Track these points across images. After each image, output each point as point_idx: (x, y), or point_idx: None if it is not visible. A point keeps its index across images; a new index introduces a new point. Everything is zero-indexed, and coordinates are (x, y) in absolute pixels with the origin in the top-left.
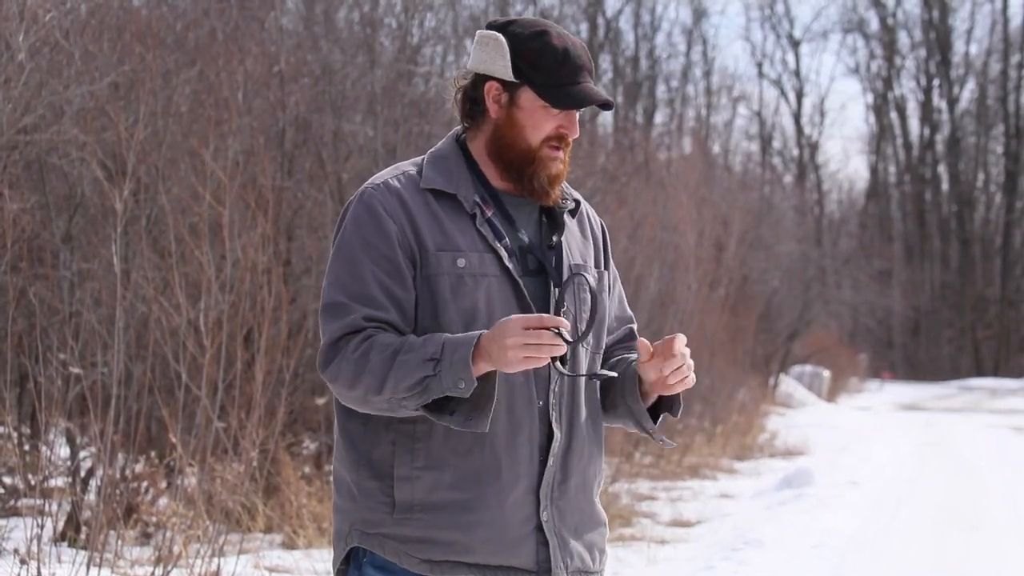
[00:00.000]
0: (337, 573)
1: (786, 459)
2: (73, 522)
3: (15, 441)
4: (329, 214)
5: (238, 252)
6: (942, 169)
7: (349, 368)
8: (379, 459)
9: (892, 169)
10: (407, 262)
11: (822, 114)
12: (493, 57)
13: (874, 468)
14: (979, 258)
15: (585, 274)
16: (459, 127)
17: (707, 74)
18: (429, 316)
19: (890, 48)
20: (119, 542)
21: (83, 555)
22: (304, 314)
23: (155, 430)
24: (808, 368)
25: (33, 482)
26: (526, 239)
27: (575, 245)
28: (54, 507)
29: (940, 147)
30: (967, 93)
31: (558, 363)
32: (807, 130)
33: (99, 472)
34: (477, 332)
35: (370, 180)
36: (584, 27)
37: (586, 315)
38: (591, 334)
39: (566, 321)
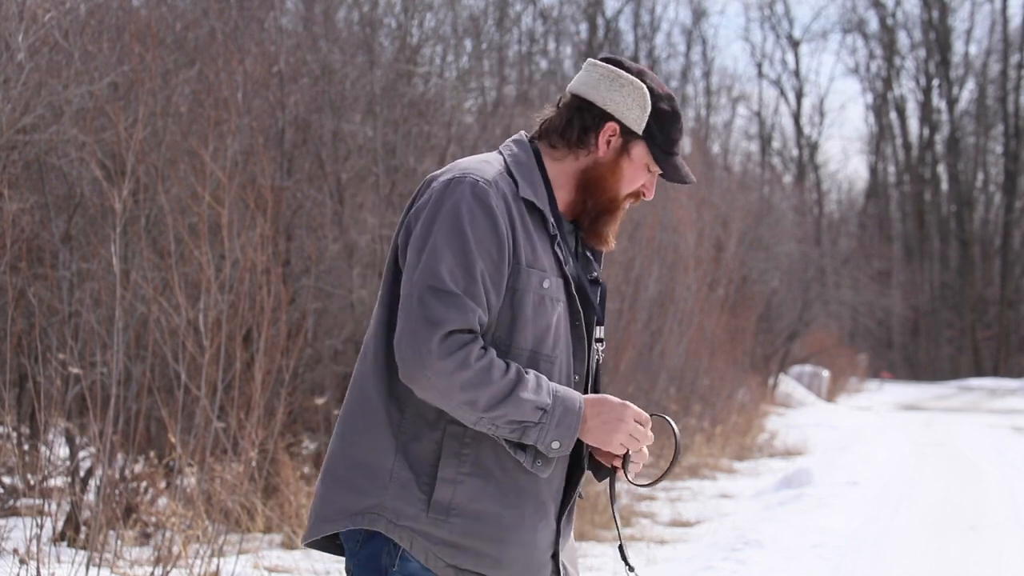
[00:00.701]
0: (315, 545)
1: (785, 459)
2: (72, 522)
3: (14, 441)
4: (328, 214)
5: (237, 252)
6: (941, 169)
7: (469, 376)
8: (419, 453)
9: (891, 169)
10: (505, 271)
11: (821, 114)
12: (629, 104)
13: (874, 468)
14: (978, 258)
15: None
16: (522, 132)
17: (707, 74)
18: (505, 330)
19: (890, 48)
20: (118, 542)
21: (82, 555)
22: (303, 314)
23: (154, 430)
24: (808, 368)
25: (32, 482)
26: (579, 266)
27: None
28: (53, 507)
29: (939, 147)
30: (967, 93)
31: (628, 473)
32: (807, 130)
33: (98, 472)
34: (579, 397)
35: (470, 169)
36: (584, 27)
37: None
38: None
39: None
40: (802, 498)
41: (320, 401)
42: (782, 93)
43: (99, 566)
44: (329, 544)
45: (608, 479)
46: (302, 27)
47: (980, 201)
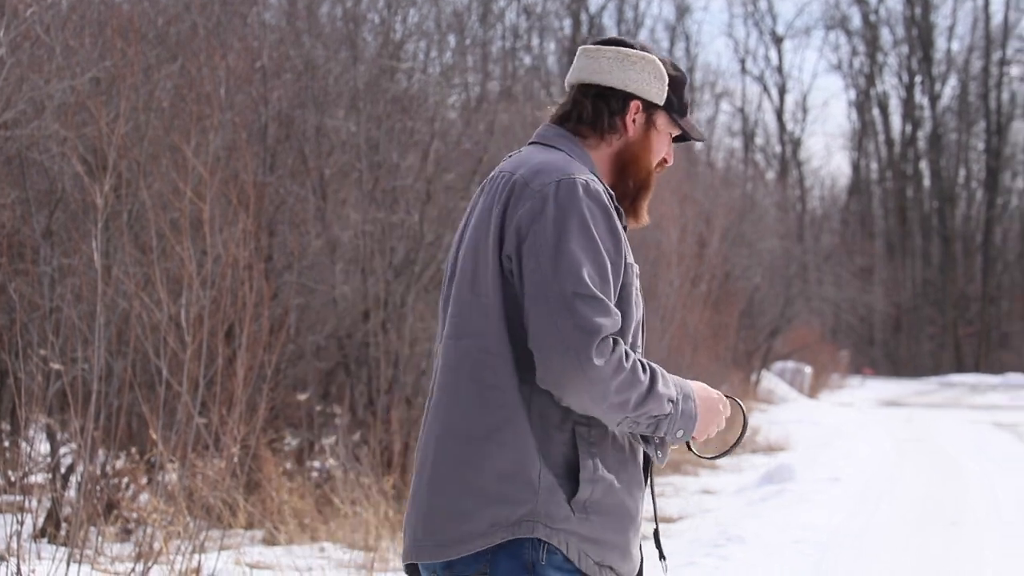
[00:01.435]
0: (472, 560)
1: (768, 455)
2: (53, 518)
3: None
4: (311, 209)
5: (219, 248)
6: (924, 166)
7: (624, 378)
8: (554, 456)
9: (874, 166)
10: (622, 269)
11: (804, 111)
12: (647, 79)
13: (855, 464)
14: (960, 255)
15: None
16: (554, 126)
17: (690, 70)
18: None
19: (872, 45)
20: (99, 538)
21: (63, 551)
22: (286, 310)
23: (136, 426)
24: (790, 364)
25: (13, 478)
26: None
27: None
28: (34, 503)
29: (922, 144)
30: (949, 90)
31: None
32: (789, 126)
33: (79, 468)
34: (689, 383)
35: (570, 172)
36: (567, 23)
37: None
38: None
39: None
40: (784, 494)
41: (302, 397)
42: (765, 89)
43: (80, 562)
44: (412, 567)
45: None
46: (285, 22)
47: (962, 197)
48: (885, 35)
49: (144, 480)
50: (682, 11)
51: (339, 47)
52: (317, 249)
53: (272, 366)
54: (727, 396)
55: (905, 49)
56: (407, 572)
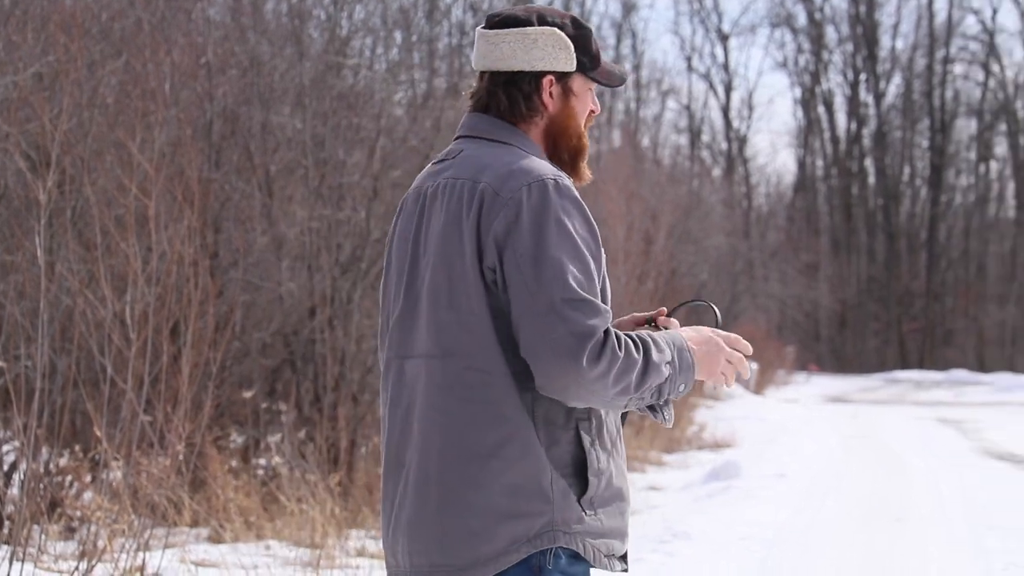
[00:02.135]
0: None
1: (714, 451)
2: None
3: None
4: (257, 206)
5: (165, 244)
6: (869, 163)
7: (619, 366)
8: (562, 458)
9: (819, 163)
10: (602, 262)
11: (750, 108)
12: (553, 52)
13: (801, 460)
14: (905, 252)
15: None
16: (482, 115)
17: (636, 68)
18: None
19: (817, 43)
20: (43, 537)
21: (6, 550)
22: (231, 307)
23: (80, 424)
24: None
25: None
26: None
27: None
28: None
29: (867, 141)
30: (893, 88)
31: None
32: (735, 124)
33: (22, 466)
34: (677, 334)
35: (541, 173)
36: None
37: None
38: None
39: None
40: (730, 490)
41: (248, 394)
42: (711, 87)
43: (23, 561)
44: None
45: None
46: (230, 18)
47: (907, 195)
48: (830, 33)
49: (88, 478)
50: (628, 8)
51: (285, 43)
52: (263, 246)
53: (218, 363)
54: (694, 301)
55: (850, 47)
56: None
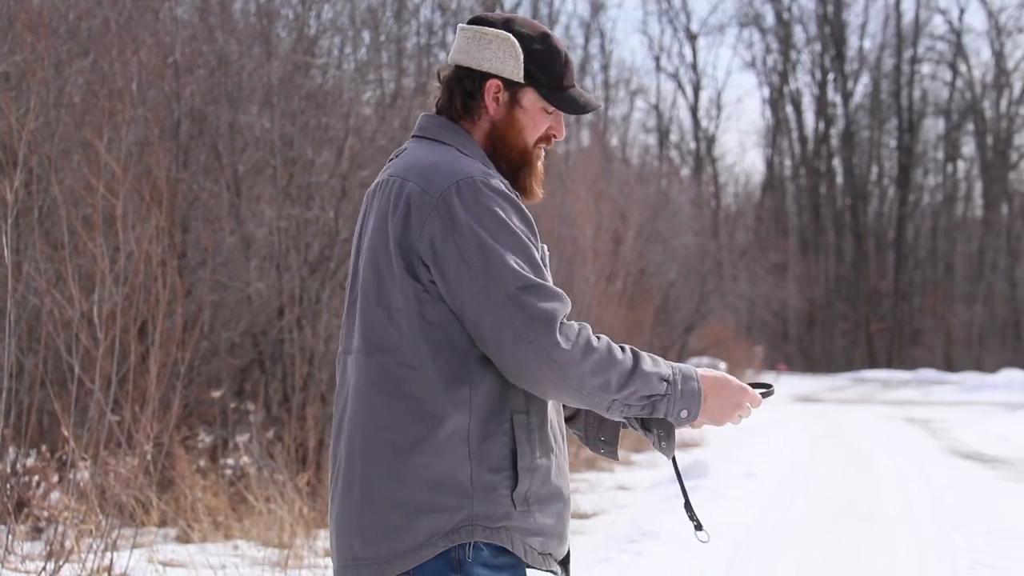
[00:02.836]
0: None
1: (682, 451)
2: None
3: None
4: (225, 206)
5: (132, 244)
6: (836, 163)
7: (598, 358)
8: (494, 452)
9: (788, 162)
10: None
11: (719, 108)
12: (501, 57)
13: (770, 460)
14: (873, 251)
15: None
16: (435, 115)
17: (605, 67)
18: None
19: (786, 42)
20: (10, 537)
21: None
22: (200, 307)
23: (47, 423)
24: (705, 360)
25: None
26: None
27: None
28: None
29: (835, 141)
30: (861, 87)
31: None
32: (704, 123)
33: None
34: (690, 367)
35: (464, 171)
36: None
37: None
38: None
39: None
40: (699, 490)
41: (216, 394)
42: (680, 86)
43: None
44: None
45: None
46: (198, 17)
47: (874, 194)
48: (798, 33)
49: (55, 478)
50: (596, 8)
51: (253, 43)
52: (231, 246)
53: (186, 363)
54: (755, 385)
55: (818, 47)
56: None
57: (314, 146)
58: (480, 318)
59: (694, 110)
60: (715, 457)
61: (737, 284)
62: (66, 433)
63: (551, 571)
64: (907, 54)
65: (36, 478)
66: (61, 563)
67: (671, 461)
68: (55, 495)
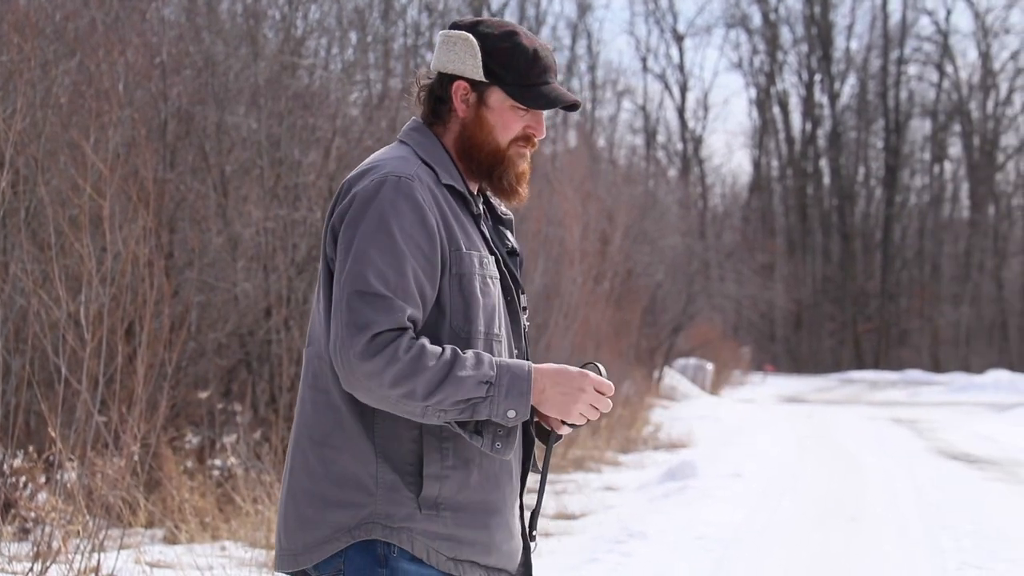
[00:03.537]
0: (325, 564)
1: (670, 452)
2: None
3: None
4: (212, 206)
5: (119, 245)
6: (823, 164)
7: (400, 368)
8: (400, 454)
9: (775, 163)
10: (439, 261)
11: (706, 108)
12: (462, 57)
13: (757, 460)
14: (860, 252)
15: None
16: (416, 119)
17: (592, 68)
18: (461, 316)
19: (772, 43)
20: None
21: None
22: (187, 307)
23: (34, 424)
24: (692, 361)
25: None
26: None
27: None
28: None
29: (822, 142)
30: (848, 88)
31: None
32: (691, 124)
33: None
34: (526, 363)
35: (390, 168)
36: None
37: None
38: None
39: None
40: (686, 490)
41: (203, 395)
42: (667, 87)
43: None
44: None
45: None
46: (185, 18)
47: (861, 195)
48: (785, 34)
49: (42, 479)
50: (583, 9)
51: (239, 43)
52: (218, 246)
53: (173, 364)
54: (588, 363)
55: (805, 48)
56: None
57: (301, 147)
58: (333, 308)
59: (681, 111)
60: (703, 457)
61: (724, 285)
62: (53, 434)
63: None
64: (894, 55)
65: (23, 479)
66: (48, 564)
67: (542, 467)
68: (42, 496)
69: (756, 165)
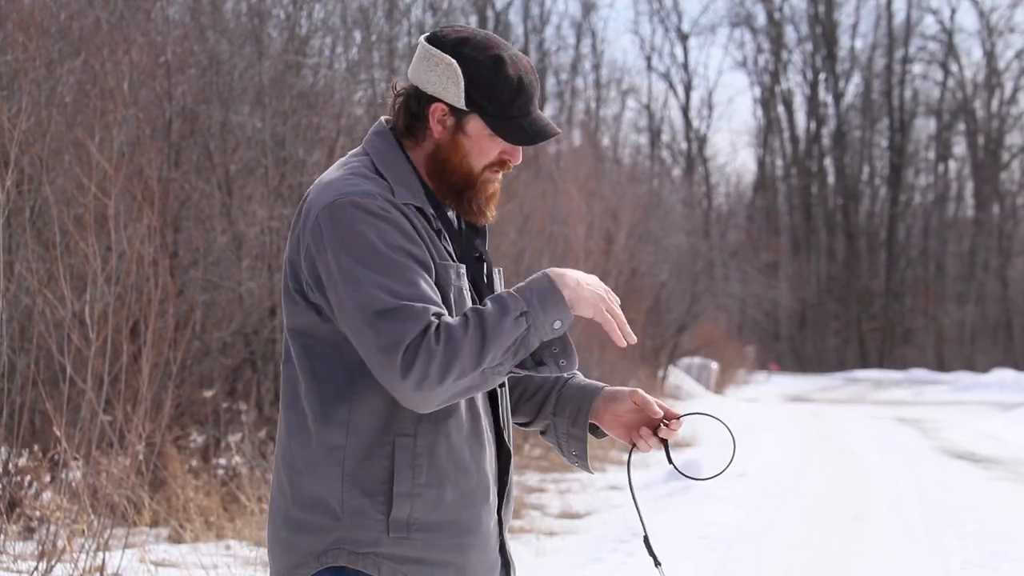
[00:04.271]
0: None
1: (674, 450)
2: None
3: None
4: (216, 206)
5: (124, 244)
6: (828, 162)
7: (440, 361)
8: (368, 474)
9: (779, 162)
10: (430, 262)
11: (710, 107)
12: (444, 83)
13: (761, 460)
14: (864, 251)
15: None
16: (382, 121)
17: (596, 67)
18: None
19: (777, 42)
20: (1, 537)
21: None
22: (191, 306)
23: (39, 423)
24: (697, 360)
25: None
26: (462, 250)
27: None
28: None
29: (826, 141)
30: (852, 87)
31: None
32: (695, 123)
33: None
34: (538, 274)
35: (345, 188)
36: (473, 19)
37: None
38: None
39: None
40: (690, 490)
41: (208, 394)
42: (671, 86)
43: None
44: None
45: (627, 466)
46: (189, 17)
47: (866, 194)
48: (789, 33)
49: (47, 478)
50: (588, 8)
51: (244, 42)
52: (223, 245)
53: (177, 363)
54: (704, 414)
55: (809, 47)
56: None
57: (305, 146)
58: (354, 340)
59: (685, 110)
60: (707, 456)
61: (729, 284)
62: (58, 433)
63: None
64: (898, 54)
65: (28, 478)
66: (53, 563)
67: (629, 486)
68: (47, 495)
69: (760, 164)
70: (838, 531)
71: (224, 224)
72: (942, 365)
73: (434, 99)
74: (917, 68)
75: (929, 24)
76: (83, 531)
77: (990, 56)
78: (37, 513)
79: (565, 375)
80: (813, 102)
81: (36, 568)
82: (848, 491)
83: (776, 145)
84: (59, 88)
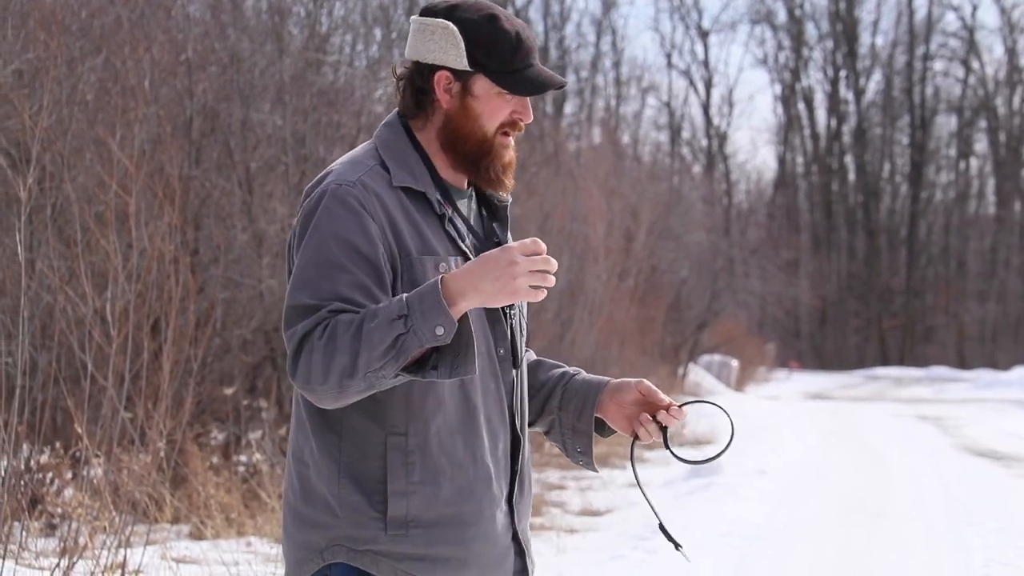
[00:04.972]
0: None
1: (695, 448)
2: None
3: None
4: (237, 203)
5: (145, 241)
6: (849, 160)
7: (318, 359)
8: (364, 473)
9: (800, 160)
10: (387, 266)
11: (730, 105)
12: (443, 47)
13: (782, 457)
14: (885, 248)
15: None
16: (394, 112)
17: (616, 64)
18: None
19: (798, 39)
20: (24, 534)
21: None
22: (212, 304)
23: (60, 420)
24: (717, 357)
25: None
26: (479, 237)
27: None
28: None
29: (847, 138)
30: (873, 84)
31: (670, 447)
32: (716, 120)
33: (3, 463)
34: (436, 279)
35: (334, 176)
36: None
37: (525, 318)
38: (524, 323)
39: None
40: (711, 487)
41: (229, 391)
42: (691, 83)
43: (4, 558)
44: None
45: (630, 454)
46: (210, 15)
47: (887, 191)
48: (810, 30)
49: (69, 475)
50: (608, 5)
51: (265, 40)
52: (243, 243)
53: (198, 360)
54: (705, 401)
55: (830, 44)
56: None
57: (326, 144)
58: None
59: (706, 107)
60: (727, 454)
61: (749, 281)
62: (79, 430)
63: None
64: (919, 51)
65: (50, 475)
66: (75, 559)
67: (631, 466)
68: (69, 492)
69: (781, 161)
70: (860, 528)
71: (244, 222)
72: (963, 362)
73: (437, 67)
74: (938, 65)
75: (950, 21)
76: (104, 528)
77: (1011, 53)
78: (59, 510)
79: (570, 371)
80: (834, 99)
81: (58, 565)
82: (869, 488)
83: (797, 142)
84: (80, 86)
